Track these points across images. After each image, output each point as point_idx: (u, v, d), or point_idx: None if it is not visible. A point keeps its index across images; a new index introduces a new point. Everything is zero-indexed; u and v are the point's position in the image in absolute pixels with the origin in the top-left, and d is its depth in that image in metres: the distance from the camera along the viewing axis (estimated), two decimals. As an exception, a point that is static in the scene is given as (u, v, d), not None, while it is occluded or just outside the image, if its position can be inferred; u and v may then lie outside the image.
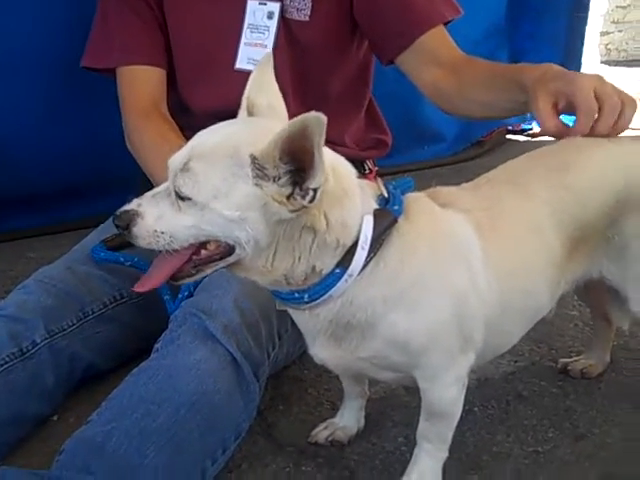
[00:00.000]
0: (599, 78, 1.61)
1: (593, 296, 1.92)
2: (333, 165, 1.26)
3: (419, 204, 1.42)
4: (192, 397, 1.50)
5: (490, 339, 1.49)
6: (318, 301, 1.33)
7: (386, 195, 1.37)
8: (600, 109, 1.56)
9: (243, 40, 2.06)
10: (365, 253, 1.31)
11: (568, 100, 1.60)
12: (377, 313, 1.35)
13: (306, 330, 1.45)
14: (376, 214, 1.33)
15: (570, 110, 1.63)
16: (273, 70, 1.45)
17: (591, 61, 5.63)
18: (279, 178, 1.20)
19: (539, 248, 1.52)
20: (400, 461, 1.66)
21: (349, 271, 1.30)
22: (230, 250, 1.27)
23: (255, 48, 2.05)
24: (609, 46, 7.12)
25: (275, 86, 1.42)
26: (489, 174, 1.61)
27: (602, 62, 6.92)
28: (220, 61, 2.09)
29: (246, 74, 2.06)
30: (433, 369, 1.45)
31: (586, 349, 2.06)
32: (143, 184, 2.17)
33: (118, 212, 1.27)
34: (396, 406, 1.89)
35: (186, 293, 1.78)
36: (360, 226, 1.31)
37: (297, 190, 1.20)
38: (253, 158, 1.19)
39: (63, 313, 1.89)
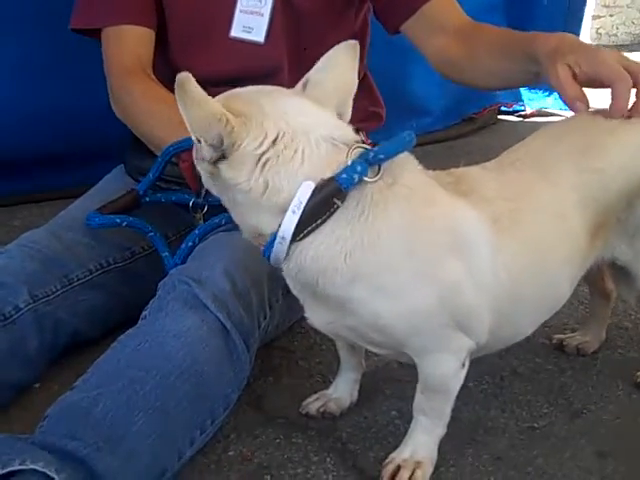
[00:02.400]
0: (619, 53, 1.56)
1: (594, 272, 1.88)
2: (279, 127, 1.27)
3: (423, 187, 1.35)
4: (181, 364, 1.46)
5: (501, 328, 1.45)
6: (271, 261, 1.33)
7: (349, 163, 1.28)
8: (637, 84, 1.52)
9: (239, 7, 1.99)
10: (296, 217, 1.26)
11: (590, 75, 1.55)
12: (340, 286, 1.30)
13: (293, 291, 1.44)
14: (321, 182, 1.27)
15: (590, 86, 1.58)
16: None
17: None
18: None
19: (563, 238, 1.47)
20: (393, 434, 1.62)
21: (280, 233, 1.28)
22: None
23: (251, 16, 1.99)
24: (600, 30, 7.09)
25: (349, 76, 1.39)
26: (512, 153, 1.56)
27: (593, 46, 6.91)
28: (215, 28, 2.02)
29: (240, 42, 2.02)
30: (424, 348, 1.40)
31: (582, 326, 2.03)
32: (132, 149, 2.12)
33: None
34: (389, 380, 1.85)
35: (190, 244, 1.73)
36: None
37: None
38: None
39: (47, 278, 1.83)
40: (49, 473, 1.19)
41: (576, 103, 1.57)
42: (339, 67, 1.37)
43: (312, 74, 1.37)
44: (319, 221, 1.28)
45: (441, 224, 1.35)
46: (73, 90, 2.81)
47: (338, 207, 1.27)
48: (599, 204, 1.50)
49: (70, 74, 2.79)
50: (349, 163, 1.28)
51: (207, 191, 1.76)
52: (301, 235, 1.28)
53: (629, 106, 1.55)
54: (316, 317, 1.43)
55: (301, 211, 1.26)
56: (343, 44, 1.38)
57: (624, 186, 1.52)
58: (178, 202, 1.89)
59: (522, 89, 4.52)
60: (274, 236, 1.29)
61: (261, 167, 1.26)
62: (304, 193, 1.26)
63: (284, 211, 1.27)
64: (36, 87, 2.80)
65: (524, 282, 1.43)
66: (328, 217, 1.28)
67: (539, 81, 1.71)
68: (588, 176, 1.49)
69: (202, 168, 1.33)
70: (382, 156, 1.30)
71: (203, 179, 1.37)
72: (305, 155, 1.27)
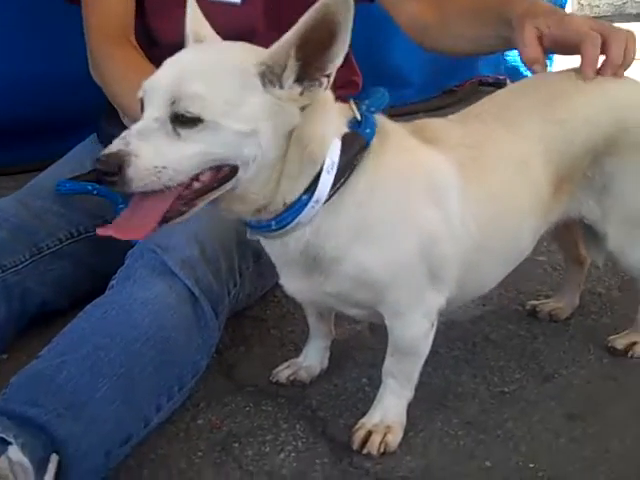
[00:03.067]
0: (591, 19, 1.56)
1: (567, 237, 1.89)
2: None
3: (397, 136, 1.36)
4: (147, 331, 1.44)
5: (468, 280, 1.45)
6: (287, 228, 1.29)
7: (359, 118, 1.31)
8: (605, 43, 1.52)
9: None
10: (331, 178, 1.26)
11: (560, 38, 1.56)
12: (342, 245, 1.31)
13: (277, 259, 1.42)
14: (345, 138, 1.28)
15: (557, 49, 1.60)
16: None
17: (565, 14, 5.57)
18: (288, 78, 1.19)
19: (526, 188, 1.48)
20: (363, 401, 1.62)
21: (315, 197, 1.26)
22: (231, 174, 1.21)
23: None
24: (582, 1, 7.06)
25: (207, 23, 1.38)
26: (478, 107, 1.57)
27: (575, 18, 6.88)
28: None
29: (218, 5, 1.98)
30: (398, 305, 1.41)
31: (555, 292, 2.03)
32: (106, 117, 2.09)
33: (103, 155, 1.14)
34: (360, 347, 1.85)
35: None
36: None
37: (306, 83, 1.20)
38: (260, 65, 1.18)
39: (16, 247, 1.81)
40: (7, 438, 1.18)
41: (534, 65, 1.58)
42: (204, 20, 1.37)
43: (199, 30, 1.36)
44: (344, 180, 1.28)
45: (421, 172, 1.37)
46: (49, 56, 2.73)
47: (358, 163, 1.29)
48: (563, 156, 1.50)
49: (46, 40, 2.72)
50: (362, 116, 1.30)
51: None
52: (328, 197, 1.28)
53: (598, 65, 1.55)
54: (295, 285, 1.42)
55: (335, 171, 1.26)
56: None
57: (589, 140, 1.52)
58: None
59: (507, 59, 4.48)
60: (302, 201, 1.26)
61: (318, 118, 1.26)
62: (335, 152, 1.26)
63: (310, 171, 1.26)
64: (10, 54, 2.73)
65: (490, 231, 1.44)
66: (350, 175, 1.28)
67: (511, 46, 1.70)
68: (551, 127, 1.49)
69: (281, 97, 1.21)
70: (373, 109, 1.34)
71: (269, 140, 1.21)
72: (330, 107, 1.29)
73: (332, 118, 1.28)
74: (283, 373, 1.70)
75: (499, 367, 1.77)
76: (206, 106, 1.15)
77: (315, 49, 1.17)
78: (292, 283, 1.43)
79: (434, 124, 1.46)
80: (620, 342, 1.80)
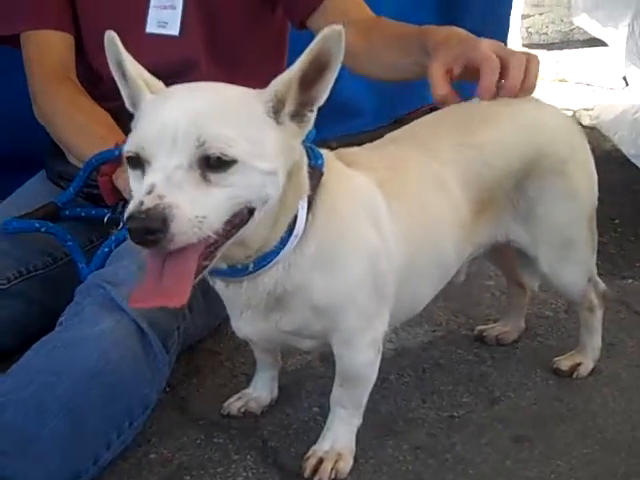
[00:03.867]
0: (499, 43, 1.61)
1: (505, 261, 1.94)
2: None
3: (333, 163, 1.39)
4: (94, 367, 1.45)
5: (401, 298, 1.48)
6: (264, 269, 1.29)
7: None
8: (504, 67, 1.57)
9: (152, 3, 2.00)
10: (304, 213, 1.29)
11: (468, 64, 1.60)
12: (304, 276, 1.33)
13: (234, 304, 1.41)
14: (308, 171, 1.31)
15: (468, 77, 1.63)
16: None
17: (513, 44, 5.68)
18: (286, 115, 1.20)
19: (445, 206, 1.51)
20: (314, 430, 1.63)
21: (295, 232, 1.28)
22: (248, 217, 1.18)
23: (164, 10, 1.99)
24: (530, 29, 7.19)
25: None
26: (394, 134, 1.61)
27: (524, 45, 7.00)
28: (130, 26, 2.01)
29: (157, 38, 2.01)
30: (349, 332, 1.43)
31: (501, 316, 2.07)
32: (52, 154, 2.09)
33: (139, 212, 1.04)
34: (311, 377, 1.86)
35: (106, 250, 1.71)
36: None
37: (297, 119, 1.22)
38: (267, 102, 1.18)
39: (-38, 288, 1.80)
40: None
41: (444, 101, 1.62)
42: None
43: (148, 78, 1.29)
44: (309, 213, 1.30)
45: (359, 195, 1.40)
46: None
47: (316, 196, 1.31)
48: (482, 179, 1.54)
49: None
50: (306, 148, 1.32)
51: (123, 206, 1.76)
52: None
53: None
54: (251, 328, 1.42)
55: (306, 203, 1.28)
56: (107, 42, 1.33)
57: (507, 164, 1.56)
58: (97, 217, 1.88)
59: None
60: (285, 238, 1.27)
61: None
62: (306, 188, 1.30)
63: (296, 208, 1.28)
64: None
65: (416, 247, 1.47)
66: (310, 207, 1.30)
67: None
68: (466, 150, 1.53)
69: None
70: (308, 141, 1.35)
71: (283, 178, 1.21)
72: None
73: (304, 158, 1.31)
74: (234, 405, 1.71)
75: (448, 391, 1.79)
76: (236, 147, 1.11)
77: (307, 84, 1.19)
78: (248, 326, 1.43)
79: (351, 150, 1.50)
80: (565, 363, 1.84)
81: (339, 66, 1.18)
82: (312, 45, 1.16)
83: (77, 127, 1.92)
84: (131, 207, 1.07)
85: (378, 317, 1.45)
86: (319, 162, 1.33)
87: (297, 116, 1.21)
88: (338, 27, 1.15)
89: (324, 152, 1.39)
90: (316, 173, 1.32)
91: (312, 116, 1.22)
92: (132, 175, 1.18)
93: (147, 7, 1.99)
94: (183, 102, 1.16)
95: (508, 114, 1.60)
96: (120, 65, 1.29)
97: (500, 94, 1.58)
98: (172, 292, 1.12)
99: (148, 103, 1.22)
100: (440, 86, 1.61)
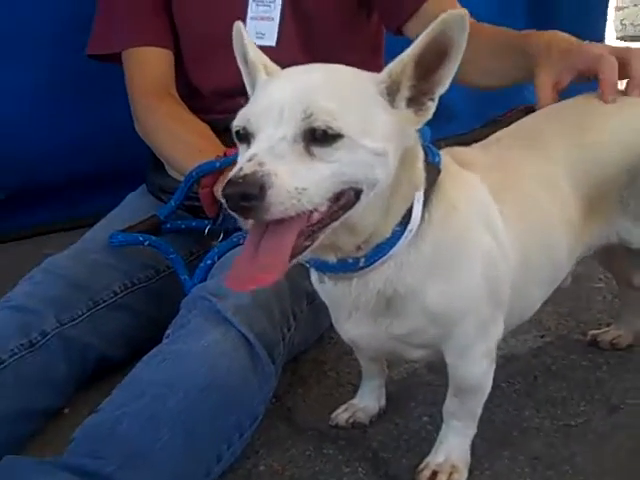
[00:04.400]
0: (608, 45, 1.56)
1: (615, 262, 1.86)
2: None
3: (448, 162, 1.34)
4: (204, 380, 1.44)
5: (513, 303, 1.43)
6: (375, 264, 1.24)
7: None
8: (625, 64, 1.53)
9: (249, 15, 2.01)
10: (420, 207, 1.24)
11: (580, 74, 1.58)
12: (419, 279, 1.28)
13: (343, 304, 1.36)
14: (426, 168, 1.27)
15: (580, 79, 1.60)
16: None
17: (607, 37, 5.53)
18: (401, 99, 1.16)
19: (555, 206, 1.46)
20: (426, 440, 1.59)
21: (409, 227, 1.23)
22: (355, 200, 1.14)
23: (262, 22, 2.01)
24: (624, 21, 7.00)
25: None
26: (500, 133, 1.56)
27: (618, 38, 6.82)
28: (228, 40, 2.03)
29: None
30: (465, 340, 1.38)
31: (615, 320, 1.98)
32: (153, 168, 2.13)
33: (237, 177, 1.02)
34: (419, 385, 1.82)
35: (208, 262, 1.73)
36: None
37: (415, 107, 1.17)
38: (381, 83, 1.15)
39: (73, 302, 1.84)
40: (71, 495, 1.19)
41: None
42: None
43: (265, 60, 1.32)
44: (424, 209, 1.26)
45: (475, 197, 1.36)
46: (97, 115, 2.81)
47: (434, 192, 1.27)
48: (592, 177, 1.48)
49: (95, 99, 2.80)
50: (424, 147, 1.28)
51: (224, 218, 1.76)
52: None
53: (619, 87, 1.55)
54: (359, 331, 1.38)
55: (422, 200, 1.25)
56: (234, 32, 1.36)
57: (622, 163, 1.50)
58: (198, 228, 1.89)
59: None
60: (397, 232, 1.23)
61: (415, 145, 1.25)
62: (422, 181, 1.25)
63: (410, 200, 1.23)
64: (61, 113, 2.81)
65: (528, 249, 1.42)
66: (426, 204, 1.26)
67: (532, 77, 1.71)
68: (576, 150, 1.48)
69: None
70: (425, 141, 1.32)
71: (394, 161, 1.17)
72: None
73: (420, 147, 1.27)
74: (342, 416, 1.68)
75: (562, 399, 1.72)
76: (343, 121, 1.08)
77: (425, 70, 1.15)
78: (355, 329, 1.38)
79: (462, 149, 1.46)
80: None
81: (461, 54, 1.14)
82: (429, 29, 1.12)
83: (177, 140, 1.95)
84: (231, 174, 1.05)
85: (494, 325, 1.40)
86: (436, 159, 1.29)
87: (415, 104, 1.17)
88: (461, 11, 1.10)
89: (441, 153, 1.35)
90: (433, 170, 1.28)
91: (432, 105, 1.17)
92: (240, 149, 1.17)
93: (245, 19, 2.00)
94: (293, 78, 1.17)
95: (617, 112, 1.54)
96: (244, 54, 1.32)
97: (627, 92, 1.54)
98: (267, 267, 1.09)
99: (262, 83, 1.24)
100: (546, 98, 1.58)
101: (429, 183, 1.26)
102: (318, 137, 1.07)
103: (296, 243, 1.10)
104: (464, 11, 1.10)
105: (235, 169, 1.05)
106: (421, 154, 1.26)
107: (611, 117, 1.54)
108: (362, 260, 1.24)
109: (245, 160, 1.06)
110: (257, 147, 1.08)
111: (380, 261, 1.24)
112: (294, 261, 1.12)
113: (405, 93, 1.16)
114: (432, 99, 1.17)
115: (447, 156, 1.35)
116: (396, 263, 1.26)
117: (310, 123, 1.07)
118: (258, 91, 1.21)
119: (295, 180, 1.05)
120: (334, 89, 1.13)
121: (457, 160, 1.38)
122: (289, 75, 1.20)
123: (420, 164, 1.25)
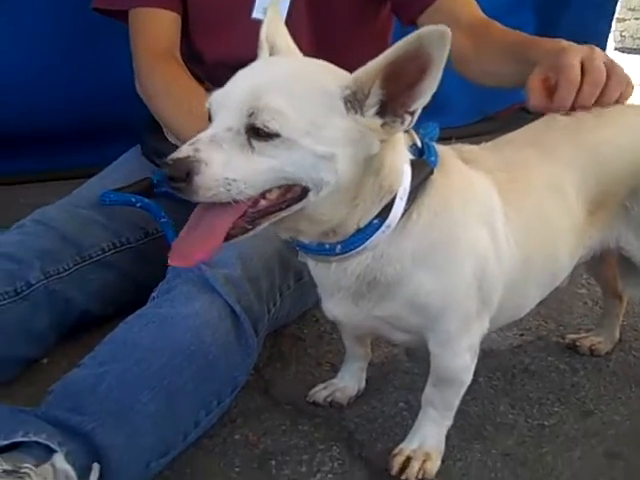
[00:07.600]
0: (590, 50, 1.54)
1: (604, 271, 1.88)
2: None
3: (449, 159, 1.36)
4: (189, 347, 1.44)
5: (508, 302, 1.44)
6: (351, 252, 1.27)
7: (419, 145, 1.31)
8: (582, 82, 1.51)
9: None
10: (403, 204, 1.25)
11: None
12: (405, 269, 1.30)
13: (325, 284, 1.39)
14: (413, 164, 1.27)
15: None
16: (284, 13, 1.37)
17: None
18: (370, 108, 1.14)
19: (560, 210, 1.47)
20: (400, 425, 1.61)
21: (387, 222, 1.25)
22: (302, 195, 1.16)
23: None
24: (624, 33, 7.02)
25: (286, 29, 1.35)
26: (509, 135, 1.56)
27: (616, 49, 6.84)
28: (237, 10, 2.01)
29: (260, 23, 2.01)
30: (448, 334, 1.39)
31: (595, 326, 2.00)
32: (150, 131, 2.11)
33: (171, 159, 1.08)
34: (398, 371, 1.83)
35: None
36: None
37: (388, 118, 1.15)
38: (345, 88, 1.13)
39: (60, 256, 1.83)
40: (52, 446, 1.19)
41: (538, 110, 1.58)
42: (284, 28, 1.35)
43: (274, 40, 1.31)
44: (411, 206, 1.27)
45: (475, 194, 1.37)
46: (100, 69, 2.77)
47: (424, 190, 1.28)
48: (597, 182, 1.50)
49: (91, 52, 2.78)
50: (424, 144, 1.29)
51: None
52: (398, 222, 1.27)
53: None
54: (341, 310, 1.40)
55: (406, 197, 1.25)
56: (270, 4, 1.35)
57: (622, 168, 1.52)
58: None
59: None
60: (374, 226, 1.24)
61: (392, 147, 1.24)
62: (407, 179, 1.25)
63: (390, 194, 1.24)
64: (63, 66, 2.79)
65: (531, 255, 1.43)
66: (414, 202, 1.27)
67: None
68: (583, 153, 1.50)
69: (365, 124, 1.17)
70: (427, 139, 1.32)
71: (346, 166, 1.17)
72: (400, 134, 1.25)
73: (403, 145, 1.27)
74: (320, 394, 1.70)
75: (538, 399, 1.74)
76: (287, 123, 1.10)
77: (402, 83, 1.12)
78: (338, 307, 1.40)
79: (470, 148, 1.46)
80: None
81: (440, 70, 1.10)
82: (402, 41, 1.09)
83: (178, 105, 1.93)
84: (172, 154, 1.10)
85: (478, 322, 1.41)
86: (431, 159, 1.30)
87: (392, 115, 1.15)
88: (442, 27, 1.07)
89: (445, 150, 1.36)
90: (425, 168, 1.28)
91: (408, 119, 1.15)
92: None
93: None
94: (257, 70, 1.19)
95: (626, 120, 1.57)
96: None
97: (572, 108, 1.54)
98: (199, 244, 1.15)
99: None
100: (534, 96, 1.57)
101: (419, 181, 1.27)
102: (260, 133, 1.10)
103: (236, 223, 1.15)
104: (444, 28, 1.06)
105: (177, 150, 1.10)
106: (400, 158, 1.26)
107: (617, 123, 1.56)
108: (338, 247, 1.27)
109: (188, 143, 1.11)
110: (205, 132, 1.13)
111: (356, 250, 1.27)
112: (234, 240, 1.17)
113: (374, 101, 1.15)
114: (410, 112, 1.15)
115: (452, 154, 1.36)
116: (375, 254, 1.28)
117: (251, 120, 1.10)
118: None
119: (226, 170, 1.09)
120: (290, 88, 1.13)
121: (464, 158, 1.39)
122: (257, 65, 1.22)
123: (396, 167, 1.24)
